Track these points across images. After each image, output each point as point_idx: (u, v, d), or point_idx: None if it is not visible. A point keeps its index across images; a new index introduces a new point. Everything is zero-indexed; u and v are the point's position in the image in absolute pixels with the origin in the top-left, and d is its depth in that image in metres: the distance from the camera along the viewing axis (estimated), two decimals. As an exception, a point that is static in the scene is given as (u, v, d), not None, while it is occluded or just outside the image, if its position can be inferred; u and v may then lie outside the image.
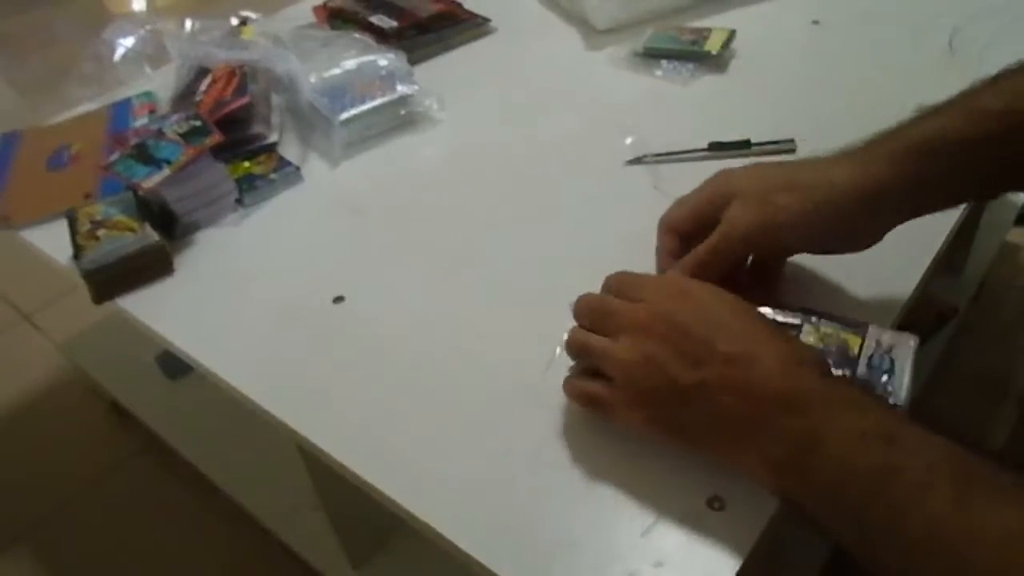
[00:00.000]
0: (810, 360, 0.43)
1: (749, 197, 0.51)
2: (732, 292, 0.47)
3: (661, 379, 0.43)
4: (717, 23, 0.92)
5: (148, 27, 0.94)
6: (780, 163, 0.54)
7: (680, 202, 0.55)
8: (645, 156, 0.74)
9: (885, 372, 0.48)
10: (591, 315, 0.48)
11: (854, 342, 0.49)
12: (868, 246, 0.52)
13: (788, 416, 0.40)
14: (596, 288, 0.51)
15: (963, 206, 0.64)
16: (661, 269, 0.56)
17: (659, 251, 0.57)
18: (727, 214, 0.51)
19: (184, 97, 0.85)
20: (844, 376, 0.44)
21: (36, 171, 0.84)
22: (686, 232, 0.55)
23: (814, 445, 0.39)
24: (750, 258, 0.55)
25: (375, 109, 0.82)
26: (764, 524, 0.44)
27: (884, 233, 0.52)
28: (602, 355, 0.46)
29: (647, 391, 0.44)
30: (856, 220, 0.50)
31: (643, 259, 0.61)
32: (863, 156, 0.50)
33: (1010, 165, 0.49)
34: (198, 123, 0.77)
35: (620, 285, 0.49)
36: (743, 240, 0.51)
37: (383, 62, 0.85)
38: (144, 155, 0.74)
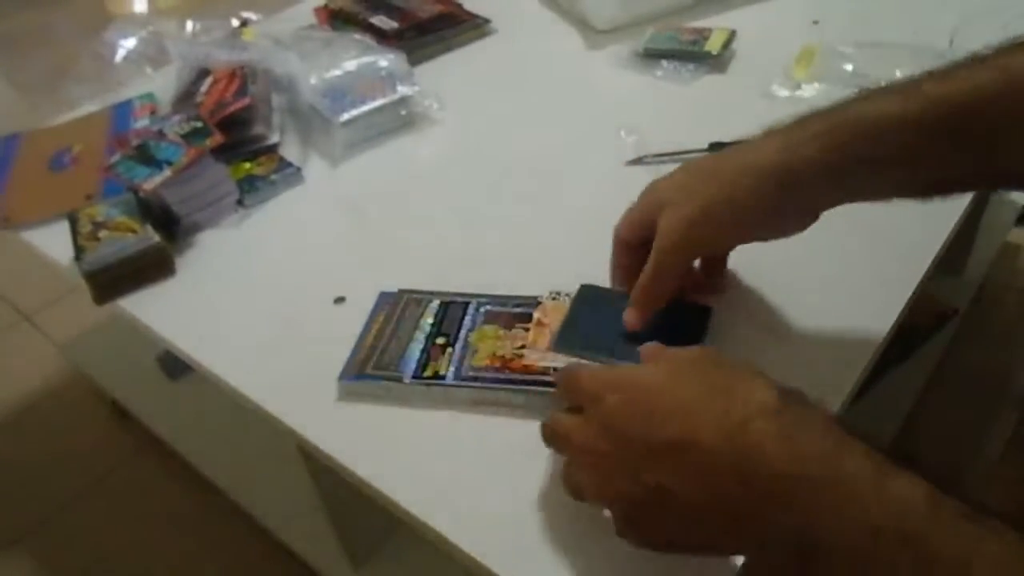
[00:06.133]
0: (761, 414, 0.36)
1: (675, 202, 0.51)
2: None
3: (621, 500, 0.40)
4: (717, 23, 0.92)
5: (149, 28, 0.94)
6: (707, 156, 0.54)
7: (625, 213, 0.55)
8: (646, 156, 0.74)
9: None
10: (554, 443, 0.45)
11: None
12: (802, 228, 0.51)
13: (757, 501, 0.35)
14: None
15: (963, 208, 0.65)
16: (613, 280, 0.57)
17: (611, 263, 0.57)
18: (659, 226, 0.51)
19: (185, 98, 0.85)
20: (809, 422, 0.36)
21: (37, 172, 0.85)
22: (631, 242, 0.55)
23: (814, 551, 0.33)
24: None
25: (375, 110, 0.82)
26: (764, 524, 0.44)
27: (817, 213, 0.50)
28: (581, 492, 0.43)
29: (622, 515, 0.41)
30: (778, 202, 0.48)
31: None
32: (790, 135, 0.48)
33: (946, 156, 0.45)
34: (199, 124, 0.77)
35: (565, 392, 0.46)
36: (678, 250, 0.51)
37: (383, 63, 0.85)
38: (145, 156, 0.74)
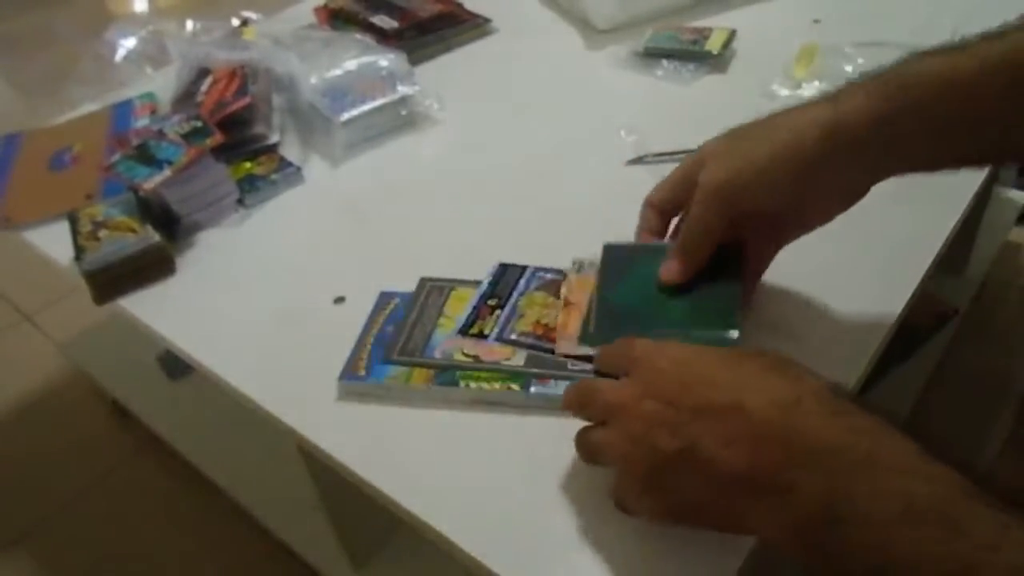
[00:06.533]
0: (814, 394, 0.37)
1: (718, 156, 0.50)
2: None
3: (651, 456, 0.39)
4: (717, 23, 0.92)
5: (149, 28, 0.94)
6: (754, 120, 0.51)
7: (661, 180, 0.54)
8: (646, 156, 0.74)
9: None
10: (579, 405, 0.45)
11: None
12: (846, 203, 0.50)
13: (795, 469, 0.35)
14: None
15: (963, 207, 0.65)
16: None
17: (637, 228, 0.56)
18: (699, 180, 0.49)
19: (185, 98, 0.85)
20: (859, 408, 0.37)
21: (37, 172, 0.85)
22: (664, 206, 0.54)
23: (843, 515, 0.33)
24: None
25: (376, 109, 0.82)
26: (764, 524, 0.44)
27: (863, 185, 0.49)
28: (600, 451, 0.43)
29: (643, 474, 0.40)
30: (822, 157, 0.46)
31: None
32: (839, 93, 0.47)
33: (998, 116, 0.44)
34: (199, 124, 0.77)
35: (613, 356, 0.46)
36: (716, 199, 0.49)
37: (384, 62, 0.85)
38: (145, 156, 0.74)
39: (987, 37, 0.44)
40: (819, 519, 0.34)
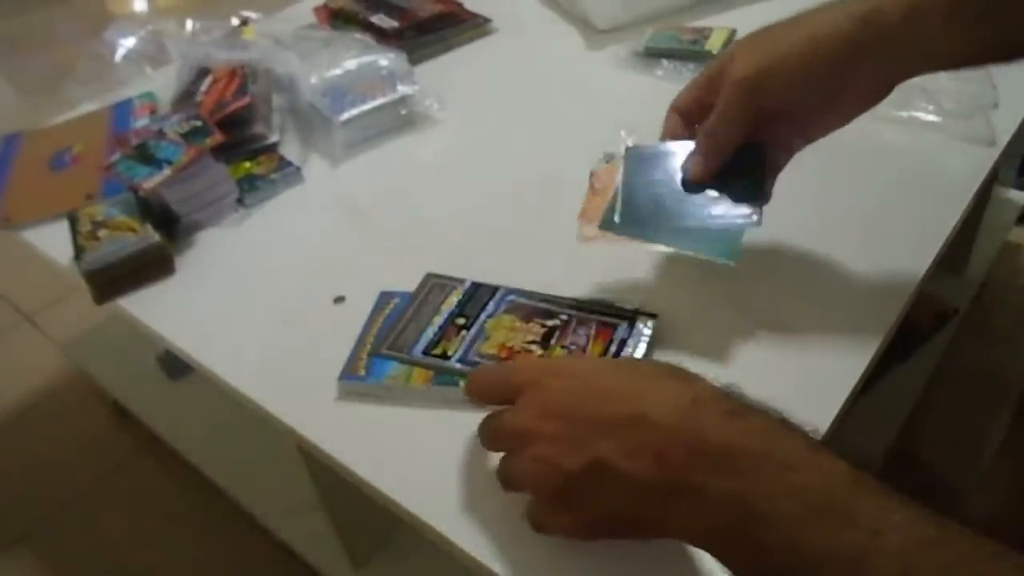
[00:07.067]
0: (708, 397, 0.38)
1: (747, 50, 0.49)
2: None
3: (558, 477, 0.39)
4: (717, 23, 0.92)
5: (149, 28, 0.95)
6: (785, 18, 0.51)
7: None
8: (645, 156, 0.74)
9: None
10: (489, 440, 0.45)
11: None
12: (872, 98, 0.49)
13: (705, 473, 0.36)
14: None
15: (963, 207, 0.65)
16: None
17: (661, 135, 0.55)
18: (730, 68, 0.48)
19: (185, 98, 0.85)
20: (752, 407, 0.38)
21: (37, 172, 0.85)
22: (688, 109, 0.53)
23: (750, 516, 0.34)
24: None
25: (375, 109, 0.82)
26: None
27: (881, 83, 0.49)
28: (513, 478, 0.43)
29: (552, 494, 0.40)
30: (857, 47, 0.46)
31: (645, 260, 0.61)
32: None
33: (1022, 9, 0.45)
34: (199, 123, 0.77)
35: (495, 388, 0.45)
36: (744, 91, 0.48)
37: (383, 62, 0.85)
38: (145, 155, 0.74)
39: None
40: (732, 522, 0.35)
